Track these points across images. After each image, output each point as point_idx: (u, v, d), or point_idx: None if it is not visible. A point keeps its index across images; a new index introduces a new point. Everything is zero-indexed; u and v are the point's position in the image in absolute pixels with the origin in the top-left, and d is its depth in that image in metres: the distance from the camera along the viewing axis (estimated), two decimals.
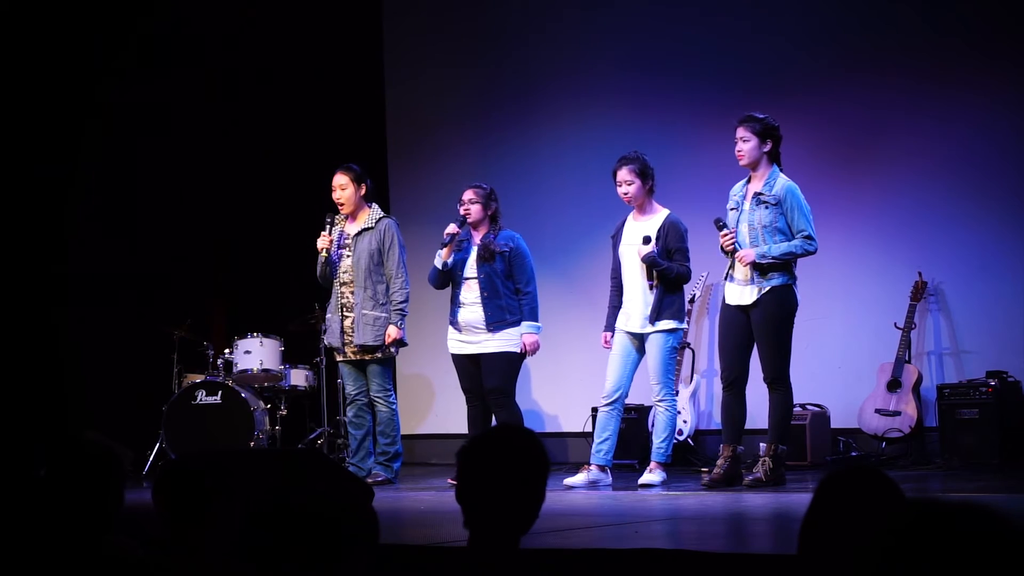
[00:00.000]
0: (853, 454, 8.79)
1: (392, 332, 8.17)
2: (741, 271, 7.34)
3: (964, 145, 8.76)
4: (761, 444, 7.39)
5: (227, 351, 9.19)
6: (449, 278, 8.23)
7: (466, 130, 10.59)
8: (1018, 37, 8.67)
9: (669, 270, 7.60)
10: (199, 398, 8.94)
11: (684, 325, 7.82)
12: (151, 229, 10.17)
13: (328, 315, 8.41)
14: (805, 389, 9.00)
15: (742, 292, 7.35)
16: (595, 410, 8.62)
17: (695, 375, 9.35)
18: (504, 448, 2.78)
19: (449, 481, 7.92)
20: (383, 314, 8.19)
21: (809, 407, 8.89)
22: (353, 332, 8.23)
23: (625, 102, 9.83)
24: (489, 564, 2.69)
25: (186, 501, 3.07)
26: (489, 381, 8.10)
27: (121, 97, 10.17)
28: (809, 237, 7.24)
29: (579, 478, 7.63)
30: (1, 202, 9.86)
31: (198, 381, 9.10)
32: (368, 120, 10.93)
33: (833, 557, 2.20)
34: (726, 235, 7.34)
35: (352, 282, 8.27)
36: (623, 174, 7.74)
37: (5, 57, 9.82)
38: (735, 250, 7.34)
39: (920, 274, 8.69)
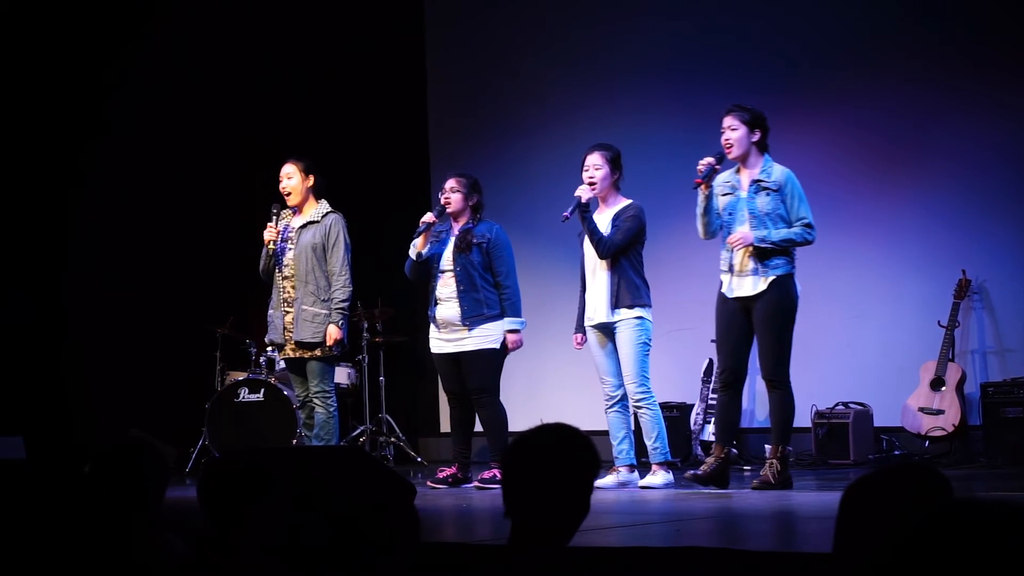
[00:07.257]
0: (896, 452, 8.75)
1: (332, 332, 7.82)
2: (739, 259, 6.91)
3: (1007, 142, 8.71)
4: (766, 446, 7.19)
5: (269, 348, 9.22)
6: (425, 270, 7.91)
7: (506, 133, 10.59)
8: None
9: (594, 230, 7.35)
10: (242, 395, 8.97)
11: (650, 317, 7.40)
12: (195, 225, 10.22)
13: (270, 311, 8.10)
14: (848, 387, 8.98)
15: (743, 282, 6.89)
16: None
17: None
18: (551, 449, 2.71)
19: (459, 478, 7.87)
20: (323, 311, 7.86)
21: (852, 405, 8.86)
22: (294, 328, 7.93)
23: (668, 108, 9.81)
24: (530, 562, 2.68)
25: (230, 498, 3.09)
26: (471, 381, 7.80)
27: (162, 105, 10.23)
28: (809, 225, 6.83)
29: (608, 480, 7.38)
30: (42, 201, 9.93)
31: (241, 379, 9.13)
32: (410, 124, 10.98)
33: (871, 555, 2.18)
34: (709, 163, 6.91)
35: (294, 276, 7.95)
36: (594, 159, 7.50)
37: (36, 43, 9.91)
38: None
39: (964, 272, 8.64)
